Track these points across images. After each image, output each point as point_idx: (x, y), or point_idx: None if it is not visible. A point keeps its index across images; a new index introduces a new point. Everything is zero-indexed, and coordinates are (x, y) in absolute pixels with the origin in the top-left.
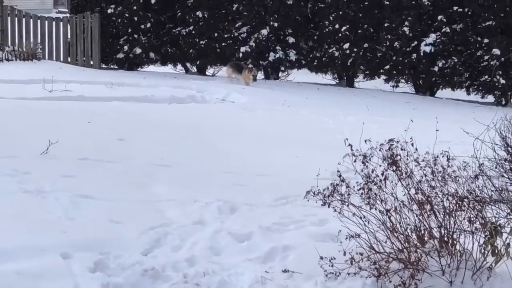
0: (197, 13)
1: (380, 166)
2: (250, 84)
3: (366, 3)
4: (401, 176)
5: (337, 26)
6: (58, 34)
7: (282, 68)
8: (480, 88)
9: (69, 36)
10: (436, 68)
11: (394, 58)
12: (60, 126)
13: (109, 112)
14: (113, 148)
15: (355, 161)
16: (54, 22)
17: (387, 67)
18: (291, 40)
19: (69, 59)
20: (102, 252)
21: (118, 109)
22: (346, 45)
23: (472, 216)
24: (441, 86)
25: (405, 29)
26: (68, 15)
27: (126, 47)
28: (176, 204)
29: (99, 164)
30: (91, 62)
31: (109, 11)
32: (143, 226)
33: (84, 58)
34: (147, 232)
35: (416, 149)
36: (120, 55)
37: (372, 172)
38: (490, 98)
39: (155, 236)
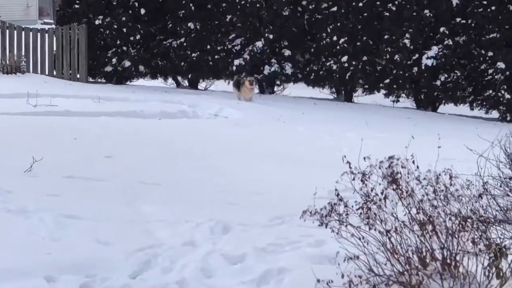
0: (189, 24)
1: (380, 184)
2: (253, 97)
3: (365, 14)
4: (402, 195)
5: (335, 38)
6: (43, 46)
7: (278, 82)
8: (484, 103)
9: (54, 49)
10: (438, 82)
11: (395, 71)
12: (45, 142)
13: (96, 128)
14: (100, 166)
15: (353, 179)
16: (39, 34)
17: (387, 81)
18: (287, 52)
19: (54, 73)
20: (89, 274)
21: (105, 124)
22: (344, 58)
23: (476, 237)
24: (443, 101)
25: (406, 41)
26: (53, 26)
27: (114, 60)
28: (166, 224)
29: (85, 182)
30: (78, 76)
31: (96, 22)
32: (131, 247)
33: (70, 72)
34: (136, 254)
35: (418, 167)
36: (108, 68)
37: (372, 191)
38: (495, 114)
39: (144, 257)
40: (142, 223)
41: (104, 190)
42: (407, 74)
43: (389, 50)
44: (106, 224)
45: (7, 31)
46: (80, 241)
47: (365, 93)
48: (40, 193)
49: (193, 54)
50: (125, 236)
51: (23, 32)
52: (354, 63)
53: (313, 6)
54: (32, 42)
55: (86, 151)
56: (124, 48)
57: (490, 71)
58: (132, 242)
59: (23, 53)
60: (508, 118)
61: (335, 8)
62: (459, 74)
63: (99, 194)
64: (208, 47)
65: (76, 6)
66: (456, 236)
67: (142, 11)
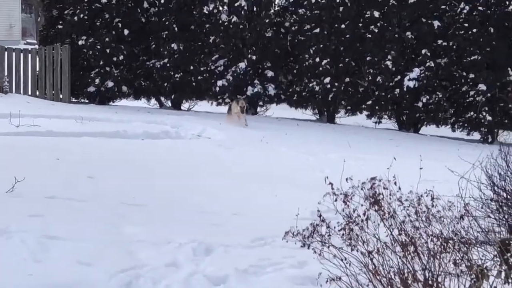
0: (172, 45)
1: (362, 205)
2: (243, 121)
3: (347, 36)
4: (384, 216)
5: (317, 59)
6: (26, 67)
7: (261, 103)
8: (466, 124)
9: (37, 69)
10: (420, 104)
11: (377, 93)
12: (27, 162)
13: (79, 148)
14: (83, 186)
15: (336, 200)
16: (22, 54)
17: (370, 102)
18: (270, 73)
19: (37, 93)
20: None
21: (88, 145)
22: (327, 80)
23: (457, 258)
24: (425, 123)
25: (388, 63)
26: (37, 46)
27: (97, 80)
28: (149, 245)
29: (67, 203)
30: (61, 96)
31: (80, 42)
32: (113, 268)
33: (53, 92)
34: (118, 275)
35: (400, 188)
36: (91, 89)
37: (354, 212)
38: (476, 135)
39: (126, 279)
40: (125, 244)
41: (86, 211)
42: (389, 96)
43: (371, 71)
44: (88, 245)
45: None
46: (62, 262)
47: (347, 114)
48: (22, 214)
49: (176, 75)
50: (107, 257)
51: (6, 52)
52: (336, 84)
53: (296, 27)
54: (15, 62)
55: (69, 172)
56: (107, 68)
57: (472, 93)
58: (115, 263)
59: (6, 73)
60: (490, 140)
61: (317, 30)
62: (440, 95)
63: (82, 214)
64: (191, 68)
65: (60, 26)
66: (438, 257)
67: (126, 31)
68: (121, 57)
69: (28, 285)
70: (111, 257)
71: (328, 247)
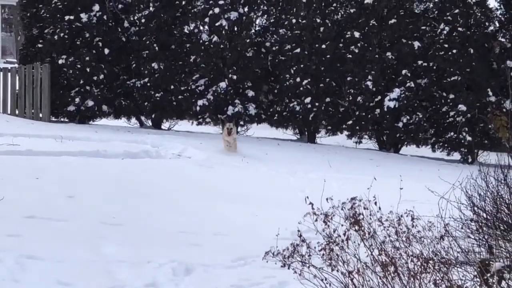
0: (153, 64)
1: (342, 225)
2: (231, 145)
3: (328, 56)
4: (364, 237)
5: (298, 79)
6: (6, 85)
7: (241, 123)
8: (446, 145)
9: (17, 88)
10: (400, 124)
11: (357, 113)
12: (6, 181)
13: (59, 168)
14: (62, 206)
15: (316, 220)
16: (1, 73)
17: (350, 122)
18: (251, 93)
19: (17, 112)
20: None
21: (67, 164)
22: (308, 99)
23: (437, 278)
24: (405, 143)
25: (369, 83)
26: (16, 65)
27: (77, 99)
28: (128, 265)
29: (47, 222)
30: (41, 115)
31: (60, 61)
32: None
33: (33, 111)
34: None
35: (380, 208)
36: (71, 108)
37: (334, 232)
38: (456, 156)
39: None
40: (104, 263)
41: (65, 230)
42: (369, 116)
43: (352, 91)
44: (68, 265)
45: None
46: (41, 282)
47: (328, 134)
48: (1, 233)
49: (156, 94)
50: (87, 277)
51: None
52: (317, 104)
53: (277, 47)
54: None
55: (48, 191)
56: (88, 87)
57: (452, 113)
58: (94, 283)
59: None
60: (470, 160)
61: (298, 50)
62: (421, 116)
63: (61, 234)
64: (172, 87)
65: (40, 45)
66: (418, 277)
67: (106, 51)
68: (101, 76)
69: None
70: (90, 277)
71: (309, 267)
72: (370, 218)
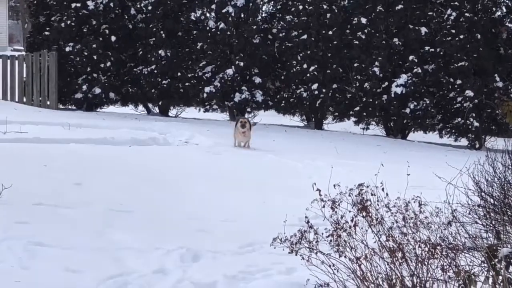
0: (160, 51)
1: (350, 212)
2: (245, 142)
3: (335, 42)
4: (372, 223)
5: (305, 66)
6: (13, 73)
7: (248, 109)
8: (453, 131)
9: (24, 75)
10: (407, 110)
11: (364, 99)
12: (14, 169)
13: (66, 155)
14: (70, 193)
15: (323, 206)
16: (9, 61)
17: (357, 108)
18: (258, 80)
19: (24, 99)
20: None
21: (75, 151)
22: (315, 86)
23: (445, 264)
24: (412, 129)
25: (375, 69)
26: (24, 53)
27: (84, 87)
28: (136, 252)
29: (55, 210)
30: (48, 103)
31: (67, 49)
32: (101, 276)
33: (40, 98)
34: (106, 282)
35: (387, 194)
36: (79, 95)
37: (341, 218)
38: (463, 141)
39: (114, 286)
40: (112, 250)
41: (73, 218)
42: (376, 102)
43: (359, 78)
44: (76, 252)
45: None
46: (49, 269)
47: (335, 120)
48: (9, 221)
49: (163, 81)
50: (95, 264)
51: None
52: (324, 90)
53: (284, 34)
54: (2, 68)
55: (56, 178)
56: (95, 75)
57: (459, 99)
58: (102, 270)
59: None
60: (477, 146)
61: (305, 36)
62: (428, 102)
63: (69, 221)
64: (179, 74)
65: (47, 33)
66: (426, 263)
67: (113, 38)
68: (108, 64)
69: None
70: (98, 264)
71: (316, 253)
72: (378, 204)
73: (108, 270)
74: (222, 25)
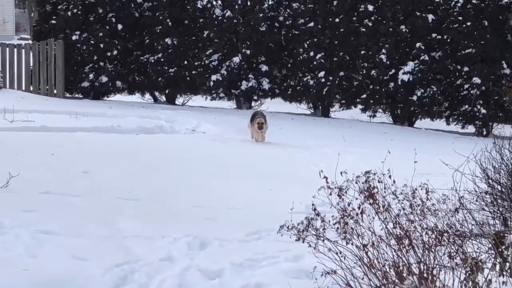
0: (166, 40)
1: (357, 199)
2: (261, 139)
3: (341, 30)
4: (379, 210)
5: (311, 53)
6: (20, 62)
7: (255, 97)
8: (460, 118)
9: (31, 64)
10: (414, 97)
11: (371, 87)
12: (22, 158)
13: (73, 144)
14: (77, 181)
15: (330, 194)
16: (15, 49)
17: (364, 96)
18: (264, 68)
19: (31, 88)
20: None
21: (82, 140)
22: (321, 74)
23: (452, 251)
24: (420, 116)
25: (382, 57)
26: (30, 42)
27: (91, 75)
28: (143, 240)
29: (62, 198)
30: (55, 91)
31: (73, 38)
32: (108, 263)
33: (47, 87)
34: (113, 270)
35: (394, 182)
36: (85, 84)
37: (348, 205)
38: (471, 129)
39: (121, 273)
40: (119, 238)
41: (81, 206)
42: (383, 89)
43: (366, 65)
44: (83, 240)
45: None
46: (57, 257)
47: (342, 108)
48: (17, 209)
49: (170, 70)
50: (102, 252)
51: None
52: (331, 78)
53: (290, 21)
54: (9, 57)
55: (63, 167)
56: (101, 63)
57: (466, 86)
58: (109, 258)
59: None
60: (484, 133)
61: (311, 24)
62: (435, 89)
63: (76, 209)
64: (186, 62)
65: (53, 21)
66: (433, 250)
67: (119, 26)
68: (115, 52)
69: (24, 280)
70: (106, 252)
71: (323, 240)
72: (385, 192)
73: (115, 258)
74: (228, 13)
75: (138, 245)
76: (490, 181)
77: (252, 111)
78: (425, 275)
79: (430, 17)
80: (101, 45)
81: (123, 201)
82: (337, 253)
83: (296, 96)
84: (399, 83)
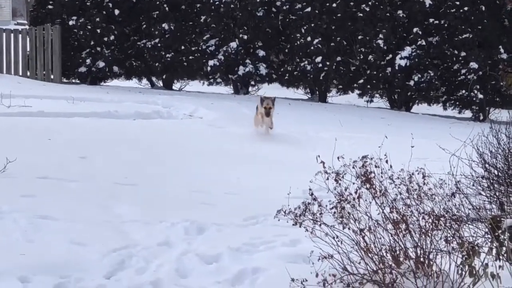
0: (163, 25)
1: (354, 184)
2: (268, 123)
3: (339, 15)
4: (375, 194)
5: (309, 38)
6: (17, 47)
7: (252, 83)
8: (457, 103)
9: (28, 49)
10: (411, 83)
11: (368, 72)
12: (19, 143)
13: (71, 129)
14: (75, 167)
15: (327, 179)
16: (12, 35)
17: (361, 81)
18: (262, 53)
19: (28, 73)
20: (63, 275)
21: (80, 125)
22: (319, 59)
23: (448, 235)
24: (417, 101)
25: (380, 42)
26: (27, 27)
27: (88, 61)
28: (141, 225)
29: (60, 183)
30: (52, 76)
31: (70, 23)
32: (106, 248)
33: (44, 72)
34: (110, 254)
35: (391, 166)
36: (82, 69)
37: (345, 190)
38: (468, 114)
39: (119, 258)
40: (117, 223)
41: (78, 191)
42: (380, 75)
43: (363, 50)
44: (81, 225)
45: None
46: (54, 242)
47: (339, 93)
48: (14, 194)
49: (167, 55)
50: (100, 237)
51: None
52: (328, 63)
53: (287, 6)
54: (6, 42)
55: (60, 152)
56: (98, 48)
57: (463, 71)
58: (107, 242)
59: None
60: (481, 118)
61: (309, 9)
62: (432, 74)
63: (74, 195)
64: (183, 47)
65: (50, 6)
66: (429, 234)
67: (116, 11)
68: (112, 37)
69: (21, 265)
70: (103, 236)
71: (320, 225)
72: (382, 176)
73: (113, 243)
74: None
75: (135, 230)
76: (486, 165)
77: (248, 96)
78: (421, 259)
79: (428, 2)
80: (98, 30)
81: (121, 186)
82: (334, 238)
83: (293, 81)
84: (396, 68)
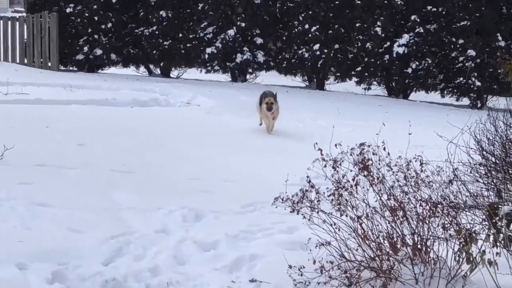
0: (161, 12)
1: (351, 171)
2: (271, 124)
3: (336, 2)
4: (373, 182)
5: (306, 26)
6: (14, 34)
7: (250, 70)
8: (455, 90)
9: (25, 37)
10: (409, 70)
11: (366, 59)
12: (16, 130)
13: (68, 116)
14: (72, 154)
15: (325, 166)
16: (9, 22)
17: (359, 69)
18: (259, 41)
19: (25, 61)
20: (61, 262)
21: (77, 113)
22: (316, 46)
23: (446, 222)
24: (414, 89)
25: (377, 29)
26: (24, 14)
27: (86, 48)
28: (138, 212)
29: (57, 170)
30: (49, 64)
31: (68, 10)
32: (103, 235)
33: (41, 60)
34: (108, 241)
35: (388, 154)
36: (80, 57)
37: (343, 177)
38: (465, 101)
39: (117, 245)
40: (114, 210)
41: (76, 178)
42: (378, 62)
43: (361, 38)
44: (78, 212)
45: None
46: (52, 229)
47: (337, 81)
48: (12, 182)
49: (165, 42)
50: (97, 224)
51: None
52: (326, 51)
53: None
54: (3, 30)
55: (58, 139)
56: (96, 36)
57: (461, 58)
58: (104, 229)
59: None
60: (479, 105)
61: None
62: (430, 61)
63: (71, 182)
64: (180, 35)
65: None
66: (427, 221)
67: None
68: (109, 25)
69: (19, 252)
70: (101, 224)
71: (318, 212)
72: (379, 164)
73: (111, 230)
74: None
75: (133, 217)
76: (484, 152)
77: (246, 84)
78: (419, 246)
79: None
80: (96, 18)
81: (119, 173)
82: (331, 225)
83: (291, 69)
84: (394, 55)
